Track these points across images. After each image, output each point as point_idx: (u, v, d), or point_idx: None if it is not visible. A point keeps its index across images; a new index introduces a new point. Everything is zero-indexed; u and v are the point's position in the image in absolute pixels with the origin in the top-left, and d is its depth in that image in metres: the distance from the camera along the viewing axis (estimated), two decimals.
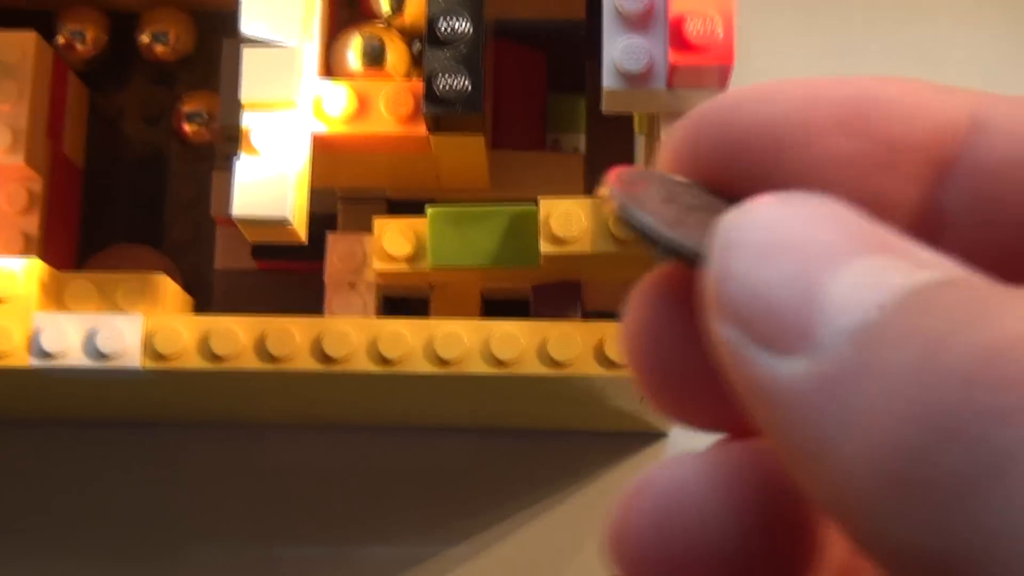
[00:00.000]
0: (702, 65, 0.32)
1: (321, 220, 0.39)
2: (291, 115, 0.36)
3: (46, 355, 0.38)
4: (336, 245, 0.41)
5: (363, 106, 0.37)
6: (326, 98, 0.37)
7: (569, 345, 0.37)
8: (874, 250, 0.15)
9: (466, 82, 0.36)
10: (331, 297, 0.40)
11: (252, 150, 0.35)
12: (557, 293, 0.39)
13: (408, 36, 0.40)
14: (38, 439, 0.50)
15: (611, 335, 0.37)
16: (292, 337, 0.38)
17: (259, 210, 0.35)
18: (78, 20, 0.49)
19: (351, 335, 0.38)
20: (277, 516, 0.49)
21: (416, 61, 0.40)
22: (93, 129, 0.49)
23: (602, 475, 0.49)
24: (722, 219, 0.16)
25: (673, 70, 0.33)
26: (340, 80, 0.37)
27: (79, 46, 0.49)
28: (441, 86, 0.36)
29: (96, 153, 0.49)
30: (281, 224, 0.35)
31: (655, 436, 0.49)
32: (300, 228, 0.36)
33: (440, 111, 0.36)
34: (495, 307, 0.42)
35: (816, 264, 0.15)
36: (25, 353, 0.38)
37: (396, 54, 0.39)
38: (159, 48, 0.49)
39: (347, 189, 0.43)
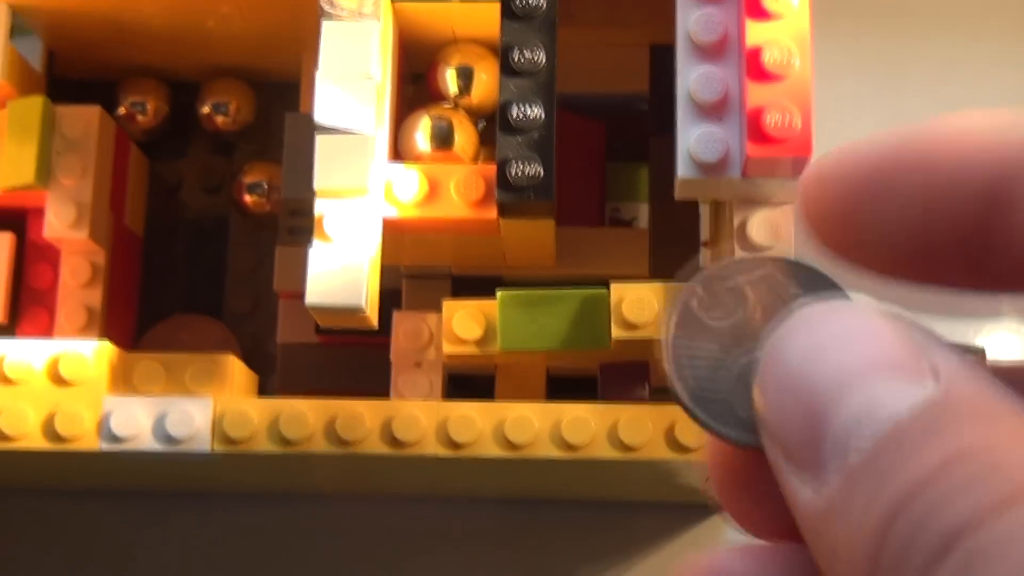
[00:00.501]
0: (779, 156, 0.32)
1: (385, 295, 0.39)
2: (363, 201, 0.36)
3: (116, 439, 0.38)
4: (402, 324, 0.41)
5: (433, 190, 0.37)
6: (397, 183, 0.37)
7: (640, 429, 0.37)
8: (881, 370, 0.17)
9: (539, 169, 0.36)
10: (397, 376, 0.40)
11: (325, 237, 0.35)
12: (625, 373, 0.39)
13: (475, 116, 0.40)
14: (95, 508, 0.50)
15: (682, 419, 0.37)
16: (362, 421, 0.38)
17: (334, 299, 0.35)
18: (139, 91, 0.49)
19: (420, 419, 0.38)
20: None
21: (483, 140, 0.40)
22: (153, 199, 0.49)
23: (662, 546, 0.49)
24: (765, 344, 0.18)
25: (749, 161, 0.33)
26: (410, 164, 0.37)
27: (140, 117, 0.49)
28: (514, 173, 0.36)
29: (156, 222, 0.49)
30: (356, 312, 0.35)
31: (716, 508, 0.49)
32: (372, 314, 0.36)
33: (513, 198, 0.36)
34: (560, 383, 0.42)
35: (827, 394, 0.18)
36: (95, 437, 0.38)
37: (464, 135, 0.39)
38: (219, 119, 0.49)
39: (412, 266, 0.43)
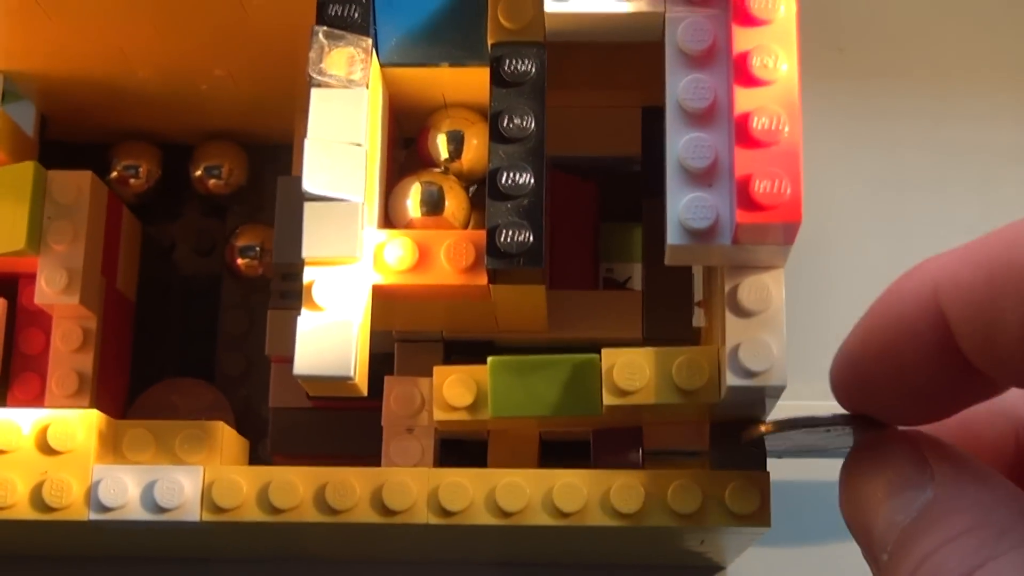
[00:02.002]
0: (769, 223, 0.32)
1: (377, 359, 0.39)
2: (352, 269, 0.36)
3: (104, 508, 0.37)
4: (393, 389, 0.40)
5: (423, 257, 0.37)
6: (387, 250, 0.37)
7: (632, 495, 0.37)
8: (895, 492, 0.26)
9: (528, 235, 0.36)
10: (388, 442, 0.40)
11: (314, 305, 0.35)
12: (618, 438, 0.39)
13: (466, 180, 0.40)
14: (85, 574, 0.49)
15: (675, 485, 0.37)
16: (352, 489, 0.37)
17: (323, 369, 0.34)
18: (132, 155, 0.49)
19: (411, 486, 0.37)
20: None
21: (474, 205, 0.40)
22: (145, 262, 0.49)
23: None
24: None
25: (739, 228, 0.32)
26: (399, 232, 0.37)
27: (133, 180, 0.49)
28: (504, 239, 0.36)
29: (148, 285, 0.49)
30: (345, 381, 0.35)
31: (712, 570, 0.48)
32: (362, 382, 0.36)
33: (503, 265, 0.36)
34: (553, 448, 0.42)
35: (866, 516, 0.26)
36: (84, 506, 0.38)
37: (455, 200, 0.39)
38: (212, 181, 0.49)
39: (404, 331, 0.42)
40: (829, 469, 0.47)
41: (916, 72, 0.54)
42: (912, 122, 0.53)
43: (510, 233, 0.36)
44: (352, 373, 0.35)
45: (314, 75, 0.36)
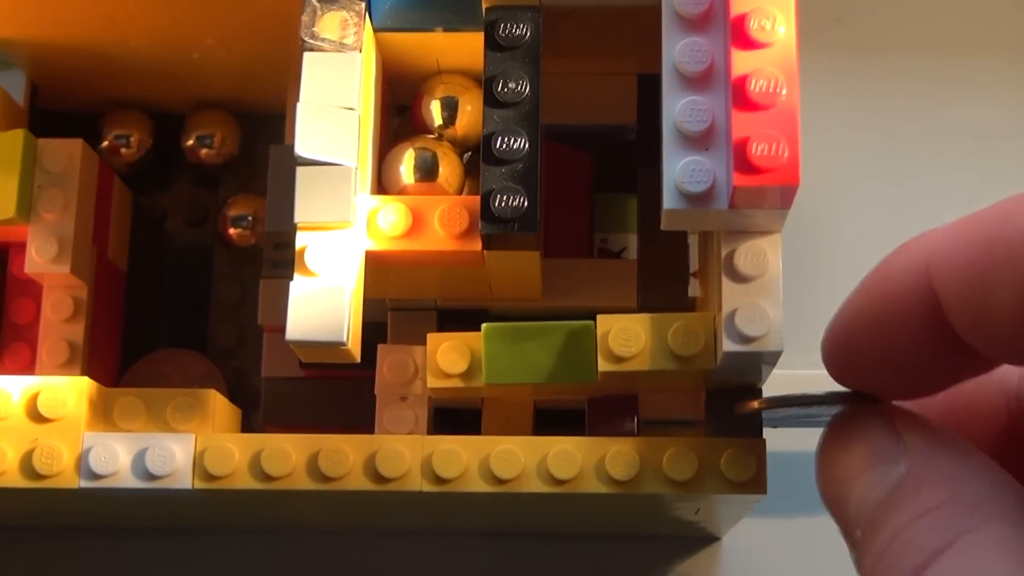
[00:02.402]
0: (766, 186, 0.32)
1: (370, 328, 0.39)
2: (345, 234, 0.35)
3: (95, 476, 0.37)
4: (386, 358, 0.40)
5: (417, 223, 0.37)
6: (380, 215, 0.36)
7: (627, 462, 0.37)
8: (867, 467, 0.26)
9: (523, 200, 0.35)
10: (382, 410, 0.40)
11: (307, 271, 0.35)
12: (613, 406, 0.39)
13: (460, 147, 0.40)
14: (76, 545, 0.49)
15: (671, 452, 0.37)
16: (345, 456, 0.37)
17: (316, 334, 0.34)
18: (123, 124, 0.49)
19: (405, 454, 0.37)
20: None
21: (469, 172, 0.40)
22: (137, 231, 0.49)
23: None
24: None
25: (736, 191, 0.32)
26: (393, 198, 0.37)
27: (124, 150, 0.49)
28: (498, 204, 0.35)
29: (139, 256, 0.49)
30: (338, 347, 0.34)
31: (707, 540, 0.48)
32: (355, 348, 0.35)
33: (497, 230, 0.35)
34: (548, 417, 0.42)
35: (840, 492, 0.27)
36: (74, 474, 0.37)
37: (449, 167, 0.38)
38: (204, 151, 0.49)
39: (397, 299, 0.42)
40: None
41: (915, 45, 0.54)
42: (910, 94, 0.53)
43: (504, 198, 0.35)
44: (345, 338, 0.34)
45: (306, 39, 0.35)
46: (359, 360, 0.36)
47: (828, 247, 0.51)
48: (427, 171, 0.38)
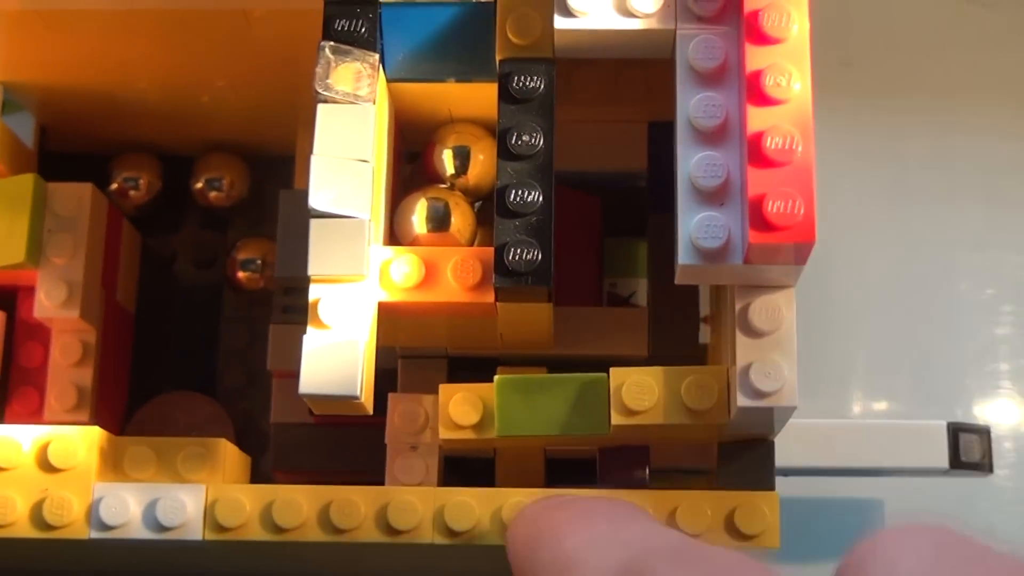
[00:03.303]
0: (782, 243, 0.32)
1: (380, 376, 0.38)
2: (358, 286, 0.35)
3: (106, 527, 0.37)
4: (397, 407, 0.40)
5: (430, 274, 0.36)
6: (393, 267, 0.36)
7: None
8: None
9: (537, 254, 0.35)
10: (393, 460, 0.40)
11: (320, 324, 0.35)
12: (624, 458, 0.39)
13: (472, 196, 0.40)
14: None
15: (683, 505, 0.37)
16: (356, 508, 0.37)
17: (329, 388, 0.34)
18: (132, 167, 0.49)
19: (416, 505, 0.37)
20: None
21: (480, 221, 0.40)
22: (145, 274, 0.49)
23: None
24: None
25: (751, 248, 0.32)
26: (406, 249, 0.37)
27: (133, 192, 0.49)
28: (512, 258, 0.35)
29: (148, 297, 0.49)
30: (351, 401, 0.34)
31: None
32: (368, 401, 0.35)
33: (511, 283, 0.35)
34: (560, 466, 0.42)
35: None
36: (85, 524, 0.37)
37: (461, 217, 0.38)
38: (213, 194, 0.49)
39: (408, 347, 0.42)
40: (839, 485, 0.47)
41: (921, 86, 0.54)
42: (917, 136, 0.53)
43: (518, 252, 0.35)
44: (359, 392, 0.34)
45: (320, 91, 0.35)
46: (371, 412, 0.36)
47: (837, 291, 0.51)
48: (439, 221, 0.38)
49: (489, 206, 0.38)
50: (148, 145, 0.49)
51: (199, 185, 0.49)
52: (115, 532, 0.37)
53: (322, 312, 0.35)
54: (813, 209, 0.32)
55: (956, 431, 0.42)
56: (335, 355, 0.34)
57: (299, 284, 0.38)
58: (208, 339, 0.49)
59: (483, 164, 0.39)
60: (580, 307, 0.43)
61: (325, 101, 0.36)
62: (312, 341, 0.35)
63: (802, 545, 0.47)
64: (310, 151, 0.36)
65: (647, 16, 0.35)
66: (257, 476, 0.45)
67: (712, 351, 0.41)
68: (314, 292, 0.35)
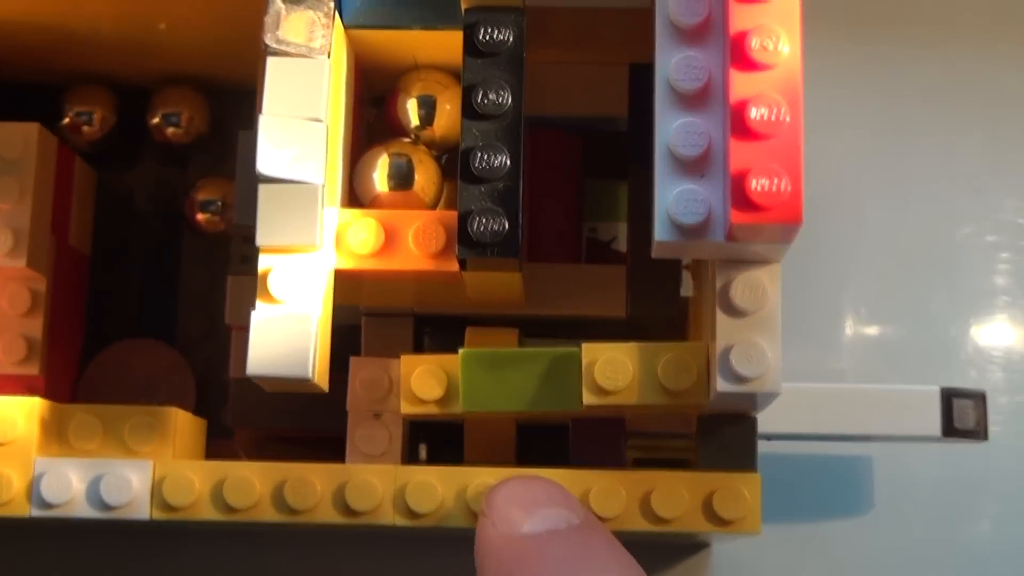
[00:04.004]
0: (766, 224, 0.29)
1: (342, 332, 0.36)
2: (312, 257, 0.33)
3: (47, 504, 0.35)
4: (359, 372, 0.38)
5: (390, 240, 0.34)
6: (350, 232, 0.34)
7: (613, 500, 0.34)
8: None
9: (504, 223, 0.33)
10: (354, 429, 0.37)
11: (269, 298, 0.32)
12: (600, 432, 0.36)
13: (438, 149, 0.37)
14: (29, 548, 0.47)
15: (659, 489, 0.35)
16: (312, 487, 0.35)
17: (279, 369, 0.32)
18: (85, 101, 0.46)
19: (376, 486, 0.35)
20: None
21: (447, 174, 0.37)
22: (100, 212, 0.46)
23: None
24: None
25: (733, 228, 0.30)
26: (363, 213, 0.34)
27: (86, 128, 0.46)
28: (476, 228, 0.33)
29: (104, 238, 0.46)
30: (303, 382, 0.32)
31: (698, 547, 0.46)
32: (322, 380, 0.33)
33: (475, 255, 0.33)
34: (531, 433, 0.39)
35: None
36: (25, 501, 0.35)
37: (425, 175, 0.36)
38: (170, 130, 0.46)
39: (372, 307, 0.40)
40: (821, 447, 0.45)
41: (918, 16, 0.51)
42: (921, 70, 0.50)
43: (483, 221, 0.33)
44: (310, 374, 0.32)
45: (270, 43, 0.33)
46: (327, 390, 0.34)
47: (829, 236, 0.48)
48: (402, 179, 0.36)
49: (456, 157, 0.35)
50: (102, 77, 0.46)
51: (156, 120, 0.46)
52: (57, 510, 0.35)
53: (272, 285, 0.32)
54: (800, 187, 0.29)
55: (950, 396, 0.40)
56: (286, 332, 0.32)
57: None
58: (167, 283, 0.47)
59: (450, 115, 0.37)
60: (555, 263, 0.40)
61: (275, 54, 0.33)
62: (261, 317, 0.32)
63: (781, 503, 0.45)
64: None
65: None
66: (217, 429, 0.43)
67: (693, 325, 0.38)
68: (263, 263, 0.33)
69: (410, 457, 0.39)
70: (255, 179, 0.35)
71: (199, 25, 0.44)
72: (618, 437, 0.37)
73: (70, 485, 0.35)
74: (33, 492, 0.35)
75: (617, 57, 0.40)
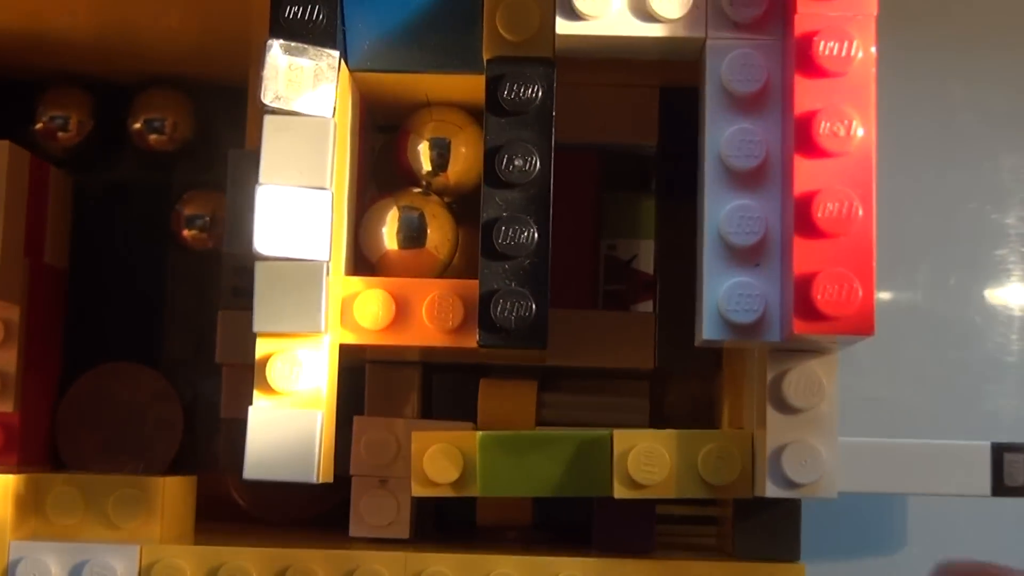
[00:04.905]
0: (832, 335, 0.26)
1: (343, 375, 0.33)
2: (315, 341, 0.29)
3: None
4: (364, 433, 0.35)
5: (401, 314, 0.31)
6: (357, 306, 0.30)
7: None
8: None
9: (531, 307, 0.29)
10: (358, 497, 0.34)
11: (268, 390, 0.29)
12: (626, 517, 0.33)
13: (452, 196, 0.34)
14: None
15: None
16: None
17: (280, 472, 0.29)
18: (60, 104, 0.42)
19: (384, 575, 0.32)
20: None
21: (461, 221, 0.34)
22: (78, 221, 0.43)
23: None
24: None
25: (795, 336, 0.26)
26: (371, 283, 0.31)
27: (61, 133, 0.42)
28: (499, 311, 0.29)
29: (82, 250, 0.43)
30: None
31: None
32: (327, 474, 0.30)
33: (498, 342, 0.29)
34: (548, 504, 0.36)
35: None
36: None
37: (439, 231, 0.32)
38: (153, 137, 0.42)
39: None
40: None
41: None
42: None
43: (508, 305, 0.29)
44: (315, 477, 0.29)
45: (268, 101, 0.29)
46: (332, 480, 0.31)
47: None
48: (413, 236, 0.32)
49: (473, 202, 0.32)
50: (79, 76, 0.43)
51: (137, 126, 0.42)
52: None
53: (271, 375, 0.29)
54: (872, 293, 0.26)
55: (1000, 451, 0.37)
56: (287, 431, 0.29)
57: (251, 263, 0.32)
58: (151, 302, 0.43)
59: (466, 159, 0.33)
60: (578, 310, 0.37)
61: (274, 113, 0.29)
62: (260, 413, 0.29)
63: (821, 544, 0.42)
64: (258, 93, 0.29)
65: (671, 21, 0.28)
66: (208, 462, 0.40)
67: (729, 404, 0.35)
68: (261, 348, 0.29)
69: (419, 522, 0.36)
70: (247, 203, 0.31)
71: (183, 22, 0.40)
72: (647, 519, 0.34)
73: (49, 573, 0.32)
74: None
75: (647, 80, 0.36)
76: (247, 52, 0.39)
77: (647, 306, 0.41)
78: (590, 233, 0.41)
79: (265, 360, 0.29)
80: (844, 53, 0.26)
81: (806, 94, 0.26)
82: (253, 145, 0.37)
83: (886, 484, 0.37)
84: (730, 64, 0.28)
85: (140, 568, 0.32)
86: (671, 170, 0.36)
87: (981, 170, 0.45)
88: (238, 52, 0.40)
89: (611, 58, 0.31)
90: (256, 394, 0.29)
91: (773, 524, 0.32)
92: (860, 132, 0.26)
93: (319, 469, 0.29)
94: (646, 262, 0.42)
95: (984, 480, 0.37)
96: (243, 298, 0.38)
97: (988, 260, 0.46)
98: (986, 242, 0.46)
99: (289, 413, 0.29)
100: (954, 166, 0.46)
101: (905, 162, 0.45)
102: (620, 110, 0.37)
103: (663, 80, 0.37)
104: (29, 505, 0.33)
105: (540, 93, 0.30)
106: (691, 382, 0.38)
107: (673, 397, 0.38)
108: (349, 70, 0.31)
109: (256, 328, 0.29)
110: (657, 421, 0.36)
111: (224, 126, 0.42)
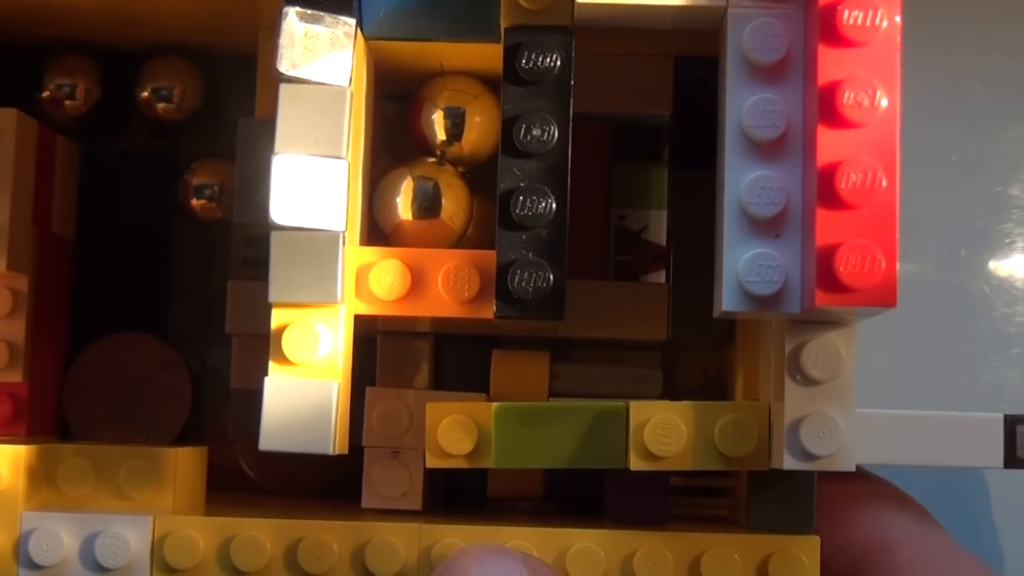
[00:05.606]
0: (855, 307, 0.26)
1: (356, 344, 0.33)
2: (331, 311, 0.29)
3: (36, 565, 0.32)
4: (376, 405, 0.34)
5: (416, 284, 0.30)
6: (372, 275, 0.30)
7: (659, 565, 0.31)
8: None
9: (548, 277, 0.29)
10: (371, 468, 0.34)
11: (283, 360, 0.29)
12: (640, 489, 0.33)
13: (467, 165, 0.33)
14: None
15: (709, 554, 0.31)
16: (329, 548, 0.32)
17: (297, 444, 0.28)
18: (67, 72, 0.42)
19: (399, 547, 0.32)
20: None
21: (475, 190, 0.33)
22: (85, 190, 0.42)
23: None
24: None
25: (816, 307, 0.26)
26: (387, 253, 0.30)
27: (68, 102, 0.42)
28: (516, 282, 0.29)
29: (89, 220, 0.43)
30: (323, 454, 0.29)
31: None
32: (342, 445, 0.30)
33: (515, 312, 0.29)
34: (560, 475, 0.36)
35: None
36: (11, 561, 0.32)
37: (453, 201, 0.32)
38: (161, 106, 0.42)
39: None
40: None
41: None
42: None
43: (525, 276, 0.29)
44: (332, 449, 0.29)
45: (284, 70, 0.28)
46: (347, 451, 0.30)
47: None
48: (428, 206, 0.32)
49: (490, 169, 0.32)
50: (86, 44, 0.42)
51: (145, 94, 0.42)
52: (47, 572, 0.32)
53: (286, 346, 0.29)
54: (895, 265, 0.26)
55: (1013, 423, 0.37)
56: (303, 402, 0.29)
57: (261, 232, 0.32)
58: (158, 272, 0.43)
59: (480, 128, 0.33)
60: (591, 280, 0.36)
61: (290, 81, 0.29)
62: (275, 384, 0.29)
63: None
64: (272, 60, 0.29)
65: None
66: (219, 431, 0.40)
67: (742, 353, 0.35)
68: (276, 318, 0.29)
69: (431, 490, 0.36)
70: (256, 172, 0.31)
71: None
72: (660, 491, 0.33)
73: (61, 544, 0.32)
74: (20, 551, 0.32)
75: (661, 49, 0.36)
76: (256, 20, 0.39)
77: (657, 277, 0.41)
78: (601, 204, 0.41)
79: (281, 331, 0.29)
80: (869, 22, 0.26)
81: (830, 64, 0.26)
82: (263, 114, 0.37)
83: (898, 456, 0.37)
84: (751, 33, 0.27)
85: (153, 539, 0.32)
86: (685, 140, 0.36)
87: (997, 141, 0.45)
88: (247, 20, 0.39)
89: (627, 27, 0.30)
90: (272, 365, 0.29)
91: (788, 496, 0.32)
92: (884, 102, 0.26)
93: (335, 440, 0.29)
94: (656, 232, 0.42)
95: (997, 452, 0.37)
96: (253, 268, 0.38)
97: (995, 232, 0.46)
98: (993, 215, 0.46)
99: (305, 384, 0.29)
100: (963, 138, 0.46)
101: (914, 133, 0.45)
102: (633, 79, 0.37)
103: (677, 49, 0.36)
104: (40, 476, 0.33)
105: (559, 62, 0.30)
106: (703, 354, 0.37)
107: (684, 369, 0.38)
108: (364, 38, 0.31)
109: (272, 298, 0.29)
110: (669, 392, 0.36)
111: (233, 95, 0.42)
